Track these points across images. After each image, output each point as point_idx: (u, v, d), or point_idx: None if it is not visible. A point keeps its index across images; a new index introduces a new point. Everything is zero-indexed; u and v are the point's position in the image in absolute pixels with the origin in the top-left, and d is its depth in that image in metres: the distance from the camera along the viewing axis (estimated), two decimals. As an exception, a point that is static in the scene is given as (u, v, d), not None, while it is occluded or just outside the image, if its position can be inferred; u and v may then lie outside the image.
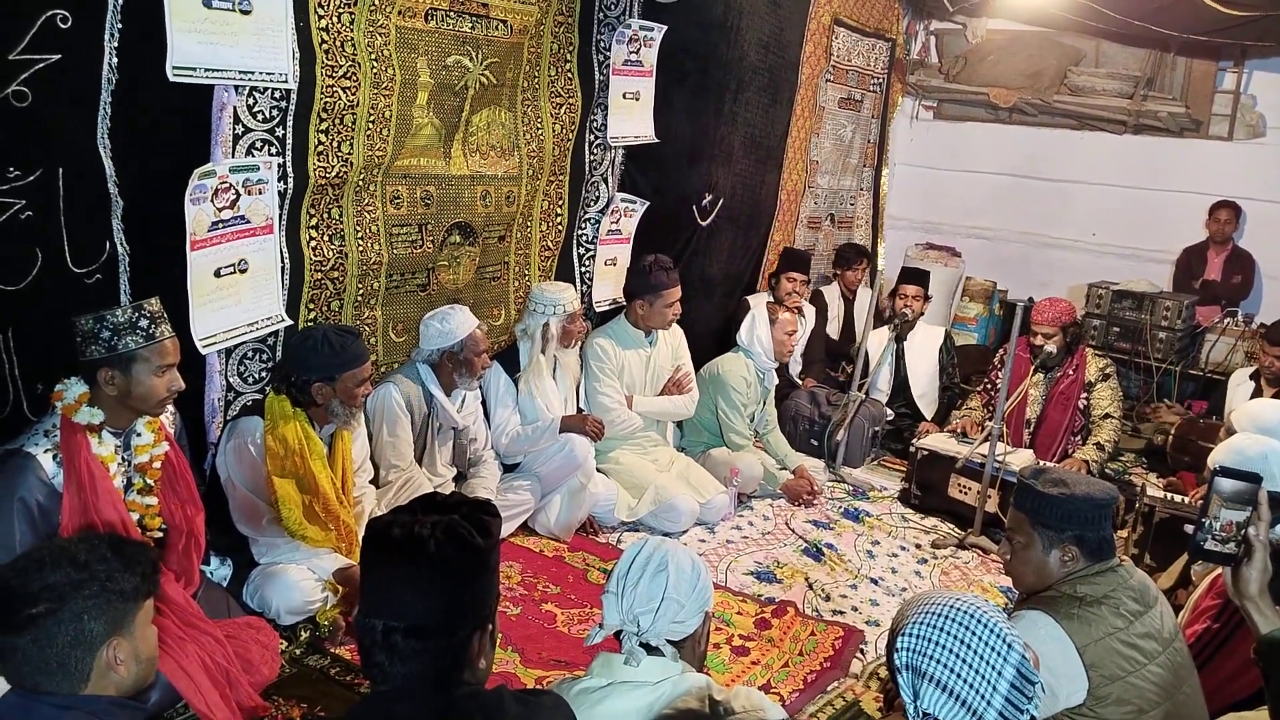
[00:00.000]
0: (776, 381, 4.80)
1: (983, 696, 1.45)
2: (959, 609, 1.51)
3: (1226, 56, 6.16)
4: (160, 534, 2.58)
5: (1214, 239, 6.27)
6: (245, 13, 2.88)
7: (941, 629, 1.50)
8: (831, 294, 6.13)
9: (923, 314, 5.40)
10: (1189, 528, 2.05)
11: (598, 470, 4.03)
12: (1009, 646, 1.47)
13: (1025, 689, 1.46)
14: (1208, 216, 6.25)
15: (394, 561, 1.47)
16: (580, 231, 4.55)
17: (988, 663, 1.46)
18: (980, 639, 1.47)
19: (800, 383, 5.47)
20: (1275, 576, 1.91)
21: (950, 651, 1.47)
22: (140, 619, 1.61)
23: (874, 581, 3.80)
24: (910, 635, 1.52)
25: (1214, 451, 2.79)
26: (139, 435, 2.51)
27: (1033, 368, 4.76)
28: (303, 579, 2.89)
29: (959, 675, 1.46)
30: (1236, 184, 6.24)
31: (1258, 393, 4.61)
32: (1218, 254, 6.28)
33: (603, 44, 4.30)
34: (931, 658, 1.48)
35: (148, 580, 1.61)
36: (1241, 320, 5.87)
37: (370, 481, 3.39)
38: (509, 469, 3.98)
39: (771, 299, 5.22)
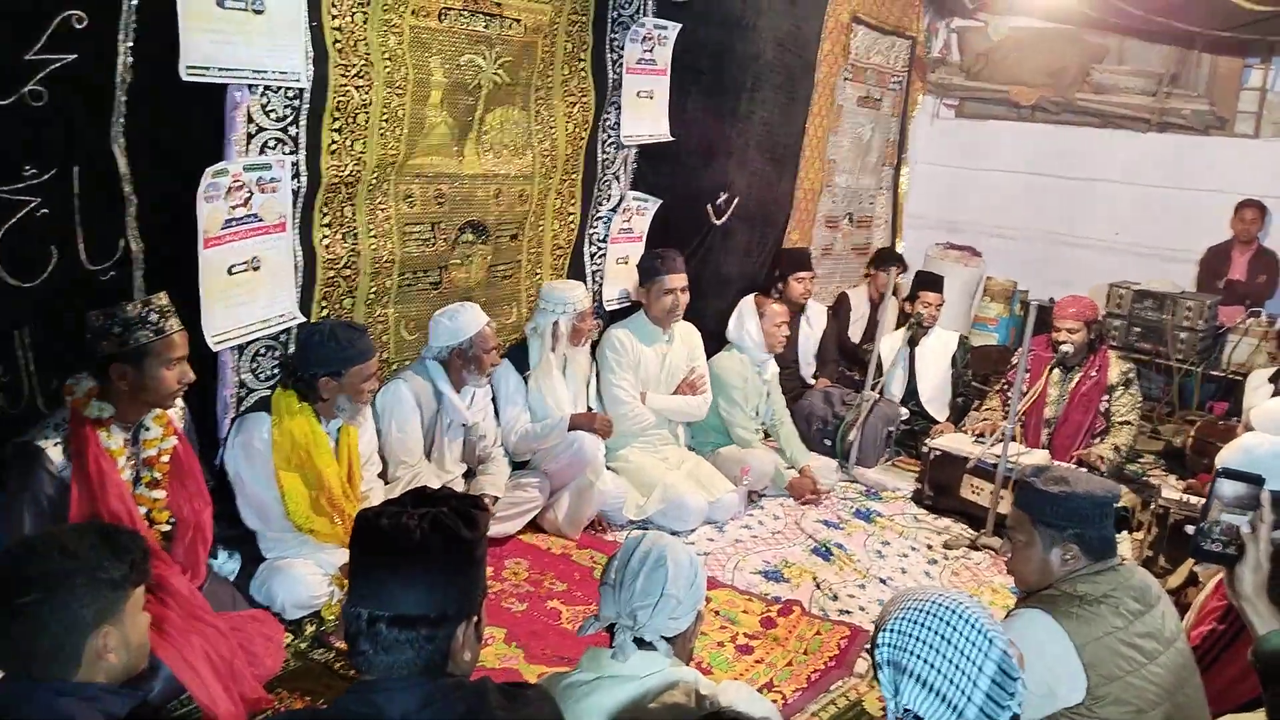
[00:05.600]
0: (776, 370, 4.79)
1: (963, 692, 1.44)
2: (940, 604, 1.51)
3: (1253, 53, 6.08)
4: (168, 527, 2.62)
5: (1239, 238, 6.18)
6: (258, 12, 2.92)
7: (922, 624, 1.49)
8: (859, 297, 6.07)
9: (936, 319, 5.37)
10: (1189, 528, 2.04)
11: (607, 468, 4.05)
12: (990, 642, 1.46)
13: (1007, 685, 1.45)
14: (1233, 215, 6.15)
15: (380, 551, 1.49)
16: (592, 230, 4.56)
17: (968, 658, 1.45)
18: (961, 634, 1.47)
19: (812, 384, 5.45)
20: (1278, 576, 1.90)
21: (931, 647, 1.47)
22: (130, 607, 1.64)
23: (882, 581, 3.79)
24: (891, 631, 1.52)
25: (1223, 450, 2.75)
26: (147, 430, 2.56)
27: (1049, 366, 4.73)
28: (309, 573, 2.92)
29: (939, 670, 1.45)
30: (1263, 182, 6.14)
31: (1277, 394, 4.55)
32: (1243, 253, 6.19)
33: (616, 42, 4.31)
34: (912, 653, 1.48)
35: (137, 568, 1.64)
36: (1265, 320, 5.79)
37: (379, 475, 3.42)
38: (518, 466, 4.00)
39: (776, 296, 5.20)
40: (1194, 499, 3.94)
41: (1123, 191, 6.70)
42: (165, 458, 2.58)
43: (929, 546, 4.16)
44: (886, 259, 6.02)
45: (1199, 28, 5.61)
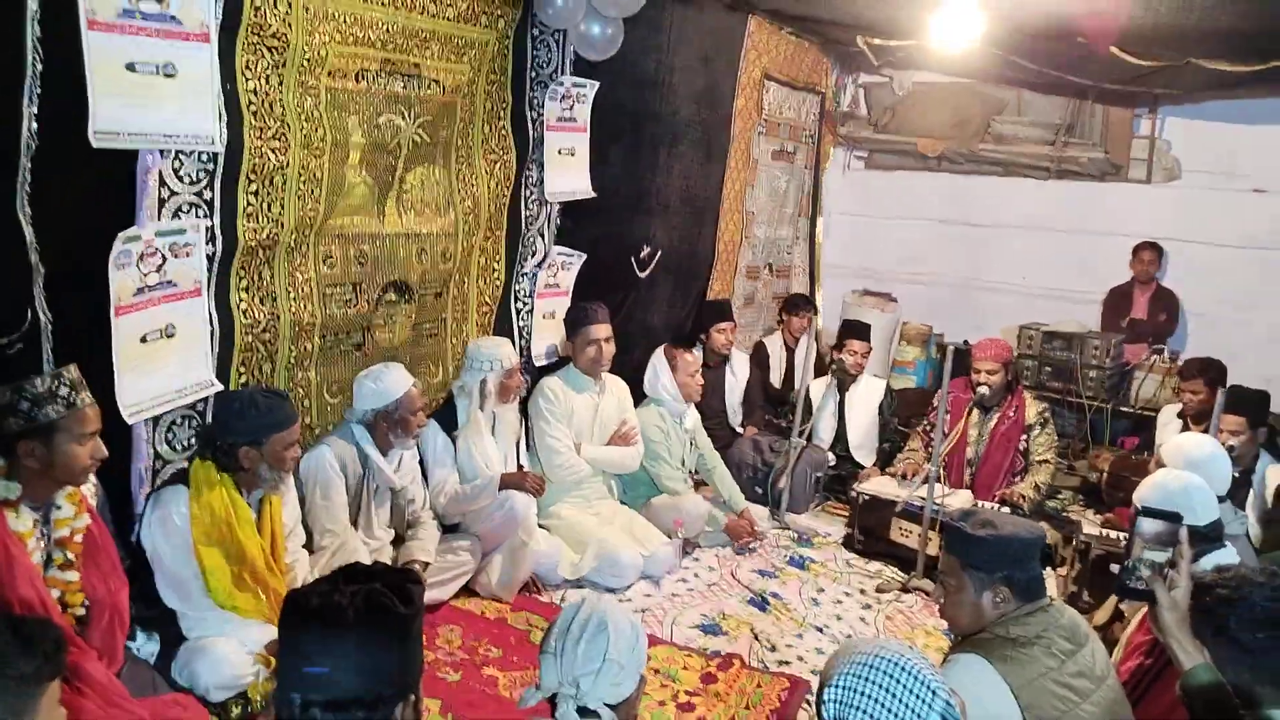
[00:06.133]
0: (697, 418, 4.82)
1: (910, 745, 1.45)
2: (884, 657, 1.52)
3: (1141, 103, 6.41)
4: (83, 610, 2.49)
5: (1139, 279, 6.46)
6: (170, 76, 2.86)
7: (867, 679, 1.50)
8: (774, 344, 6.19)
9: (864, 367, 5.46)
10: (1115, 566, 2.10)
11: (539, 526, 4.00)
12: (934, 693, 1.48)
13: (952, 736, 1.47)
14: (1131, 257, 6.44)
15: (312, 632, 1.44)
16: (518, 286, 4.56)
17: (913, 710, 1.46)
18: (905, 687, 1.48)
19: (741, 431, 5.50)
20: (1199, 610, 1.96)
21: (876, 701, 1.48)
22: (45, 703, 1.55)
23: (819, 630, 3.80)
24: (837, 686, 1.52)
25: (1139, 487, 2.85)
26: (59, 508, 2.43)
27: (968, 406, 4.85)
28: (233, 652, 2.79)
29: (885, 725, 1.46)
30: (1157, 225, 6.45)
31: (1186, 428, 4.74)
32: (1143, 293, 6.47)
33: (536, 101, 4.35)
34: (858, 708, 1.49)
35: (51, 660, 1.55)
36: (1168, 356, 6.04)
37: (304, 546, 3.32)
38: (448, 530, 3.92)
39: (699, 348, 5.26)
40: (1113, 533, 4.06)
41: (1027, 237, 6.96)
42: (78, 537, 2.45)
43: (862, 591, 4.20)
44: (797, 304, 6.15)
45: (1090, 81, 5.90)
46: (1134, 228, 6.49)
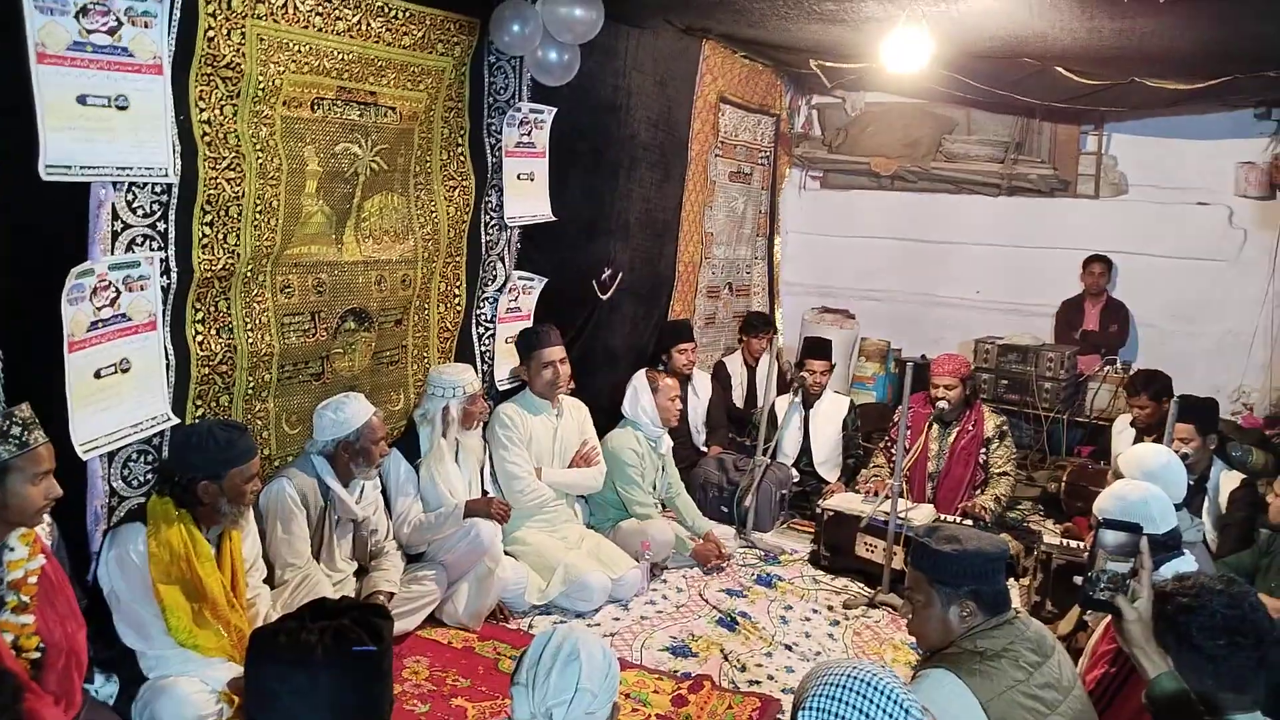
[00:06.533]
0: (671, 443, 4.83)
1: (884, 764, 1.46)
2: (856, 677, 1.53)
3: (1087, 120, 6.58)
4: (38, 654, 2.42)
5: (1089, 291, 6.60)
6: (122, 109, 2.83)
7: (840, 700, 1.51)
8: (734, 364, 6.23)
9: (824, 385, 5.50)
10: (1078, 579, 2.13)
11: (505, 553, 3.97)
12: (906, 712, 1.49)
13: (925, 754, 1.47)
14: (1082, 270, 6.58)
15: (280, 671, 1.41)
16: (479, 311, 4.55)
17: (887, 729, 1.47)
18: (878, 706, 1.49)
19: (706, 451, 5.51)
20: (1161, 618, 1.99)
21: (850, 722, 1.49)
22: (2, 756, 1.51)
23: (788, 648, 3.81)
24: (811, 709, 1.53)
25: (1098, 498, 2.89)
26: (12, 550, 2.37)
27: (928, 421, 4.91)
28: (194, 692, 2.73)
29: (860, 745, 1.47)
30: (1106, 239, 6.61)
31: (1139, 438, 4.83)
32: (1094, 305, 6.61)
33: (494, 127, 4.35)
34: (833, 730, 1.49)
35: (8, 712, 1.51)
36: (1120, 367, 6.17)
37: (265, 581, 3.26)
38: (413, 559, 3.88)
39: (661, 369, 5.28)
40: (1073, 542, 4.12)
41: (980, 252, 7.09)
42: (33, 579, 2.39)
43: (830, 608, 4.21)
44: (756, 325, 6.19)
45: (1036, 99, 6.04)
46: (1083, 241, 6.64)
